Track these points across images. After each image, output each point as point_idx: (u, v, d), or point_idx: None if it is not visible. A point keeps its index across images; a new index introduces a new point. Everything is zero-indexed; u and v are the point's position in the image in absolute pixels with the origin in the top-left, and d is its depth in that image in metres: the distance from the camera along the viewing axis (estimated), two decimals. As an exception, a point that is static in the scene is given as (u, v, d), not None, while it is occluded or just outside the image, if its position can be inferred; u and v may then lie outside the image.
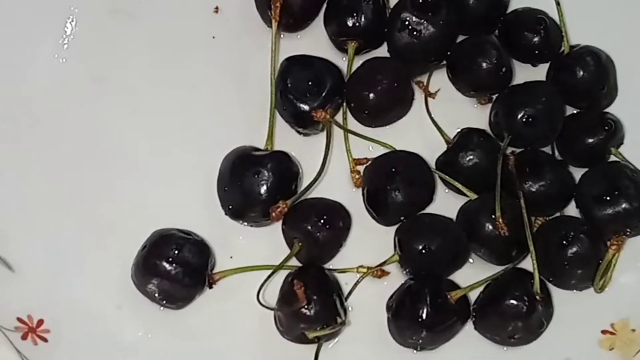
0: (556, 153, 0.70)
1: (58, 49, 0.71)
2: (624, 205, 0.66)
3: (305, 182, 0.68)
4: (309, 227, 0.66)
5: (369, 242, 0.69)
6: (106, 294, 0.68)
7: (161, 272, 0.65)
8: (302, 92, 0.68)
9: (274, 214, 0.66)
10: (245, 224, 0.68)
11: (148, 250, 0.66)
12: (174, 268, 0.65)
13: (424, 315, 0.65)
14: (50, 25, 0.71)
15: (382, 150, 0.69)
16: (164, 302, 0.66)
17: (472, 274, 0.68)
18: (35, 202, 0.69)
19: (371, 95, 0.68)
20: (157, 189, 0.69)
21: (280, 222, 0.67)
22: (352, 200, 0.69)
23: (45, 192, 0.69)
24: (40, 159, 0.70)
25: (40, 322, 0.66)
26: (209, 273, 0.67)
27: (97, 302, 0.67)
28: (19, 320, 0.66)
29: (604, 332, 0.68)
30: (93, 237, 0.69)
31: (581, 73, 0.69)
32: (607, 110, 0.70)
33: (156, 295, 0.66)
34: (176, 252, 0.65)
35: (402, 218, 0.68)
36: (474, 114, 0.71)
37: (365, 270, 0.67)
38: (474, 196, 0.68)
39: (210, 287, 0.67)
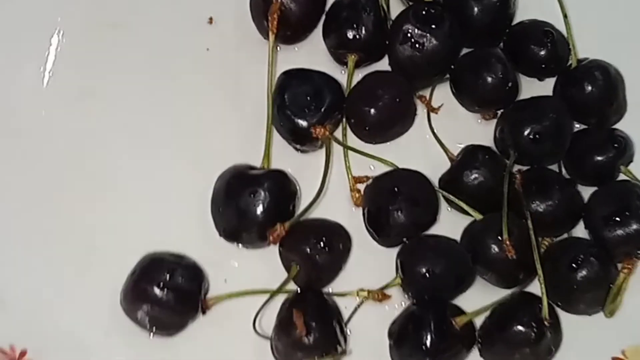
0: (564, 171, 0.70)
1: (43, 62, 0.70)
2: (635, 227, 0.65)
3: (303, 201, 0.68)
4: (307, 250, 0.65)
5: (369, 264, 0.68)
6: (94, 321, 0.66)
7: (152, 298, 0.64)
8: (300, 107, 0.67)
9: (271, 238, 0.65)
10: (241, 246, 0.68)
11: (138, 275, 0.65)
12: (165, 294, 0.64)
13: (428, 343, 0.64)
14: (35, 38, 0.70)
15: (384, 168, 0.68)
16: (155, 329, 0.66)
17: (477, 298, 0.67)
18: (18, 225, 0.68)
19: (372, 110, 0.68)
20: (147, 210, 0.68)
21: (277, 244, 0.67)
22: (352, 220, 0.68)
23: (29, 214, 0.68)
24: (24, 179, 0.69)
25: (23, 353, 0.65)
26: (202, 298, 0.66)
27: (84, 330, 0.66)
28: (1, 351, 0.65)
29: (614, 359, 0.67)
30: (79, 261, 0.68)
31: (589, 88, 0.68)
32: (616, 126, 0.70)
33: (146, 322, 0.65)
34: (168, 277, 0.64)
35: (404, 239, 0.67)
36: (478, 130, 0.70)
37: (365, 294, 0.67)
38: (479, 216, 0.67)
39: (204, 313, 0.66)
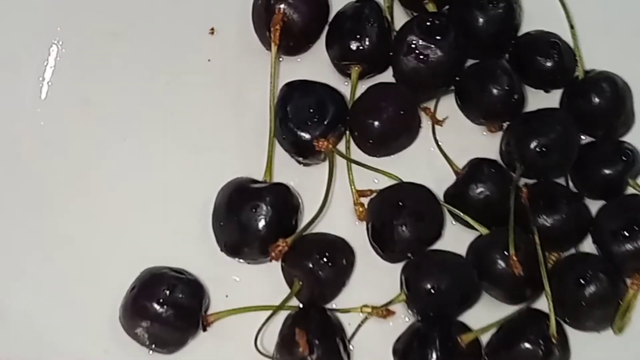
0: (571, 185, 0.69)
1: (42, 73, 0.70)
2: (644, 242, 0.66)
3: (306, 215, 0.67)
4: (310, 265, 0.64)
5: (373, 279, 0.67)
6: (92, 337, 0.66)
7: (151, 315, 0.63)
8: (302, 120, 0.67)
9: (273, 254, 0.64)
10: (242, 261, 0.67)
11: (137, 290, 0.64)
12: (165, 310, 0.63)
13: (434, 361, 0.63)
14: (34, 48, 0.70)
15: (388, 182, 0.68)
16: (154, 346, 0.65)
17: (483, 314, 0.66)
18: (16, 240, 0.67)
19: (376, 123, 0.67)
20: (147, 224, 0.68)
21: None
22: (356, 235, 0.67)
23: (26, 227, 0.68)
24: (23, 192, 0.68)
25: (21, 369, 0.63)
26: (202, 315, 0.65)
27: (82, 346, 0.66)
28: (-2, 366, 0.65)
29: (623, 376, 0.66)
30: (78, 276, 0.67)
31: (597, 100, 0.68)
32: (623, 139, 0.69)
33: (146, 339, 0.64)
34: (167, 292, 0.64)
35: (409, 254, 0.66)
36: (484, 143, 0.70)
37: (369, 310, 0.66)
38: (484, 231, 0.66)
39: (204, 330, 0.65)
